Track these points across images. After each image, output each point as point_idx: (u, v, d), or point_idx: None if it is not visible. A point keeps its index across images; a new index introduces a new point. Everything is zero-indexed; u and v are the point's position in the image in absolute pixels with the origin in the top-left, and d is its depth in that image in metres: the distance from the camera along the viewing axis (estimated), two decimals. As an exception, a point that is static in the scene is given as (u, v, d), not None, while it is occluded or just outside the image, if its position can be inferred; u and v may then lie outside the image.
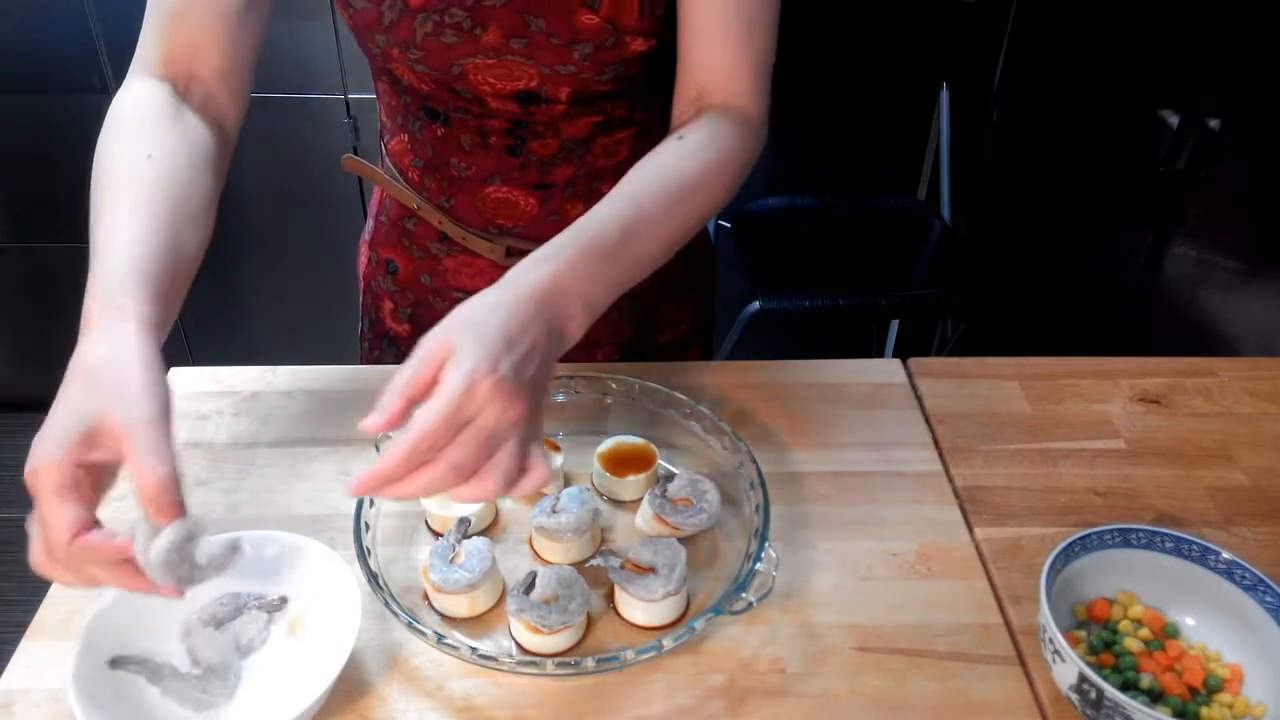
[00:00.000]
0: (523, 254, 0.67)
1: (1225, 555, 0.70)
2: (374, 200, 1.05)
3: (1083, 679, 0.63)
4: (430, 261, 0.99)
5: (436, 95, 0.87)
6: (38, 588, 0.75)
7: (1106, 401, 0.95)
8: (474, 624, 0.73)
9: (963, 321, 2.19)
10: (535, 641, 0.70)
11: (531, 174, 0.91)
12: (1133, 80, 1.91)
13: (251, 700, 0.68)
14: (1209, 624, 0.72)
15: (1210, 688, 0.68)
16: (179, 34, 0.79)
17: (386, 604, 0.68)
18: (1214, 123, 1.73)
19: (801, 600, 0.75)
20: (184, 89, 0.79)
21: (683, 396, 0.85)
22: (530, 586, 0.71)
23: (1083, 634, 0.72)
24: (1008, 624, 0.74)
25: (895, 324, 2.34)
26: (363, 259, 1.08)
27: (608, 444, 0.84)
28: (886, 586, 0.77)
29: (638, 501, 0.82)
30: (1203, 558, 0.71)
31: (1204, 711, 0.66)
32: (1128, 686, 0.67)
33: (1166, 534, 0.72)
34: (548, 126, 0.88)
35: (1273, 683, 0.67)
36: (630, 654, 0.66)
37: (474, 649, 0.67)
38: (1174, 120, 1.80)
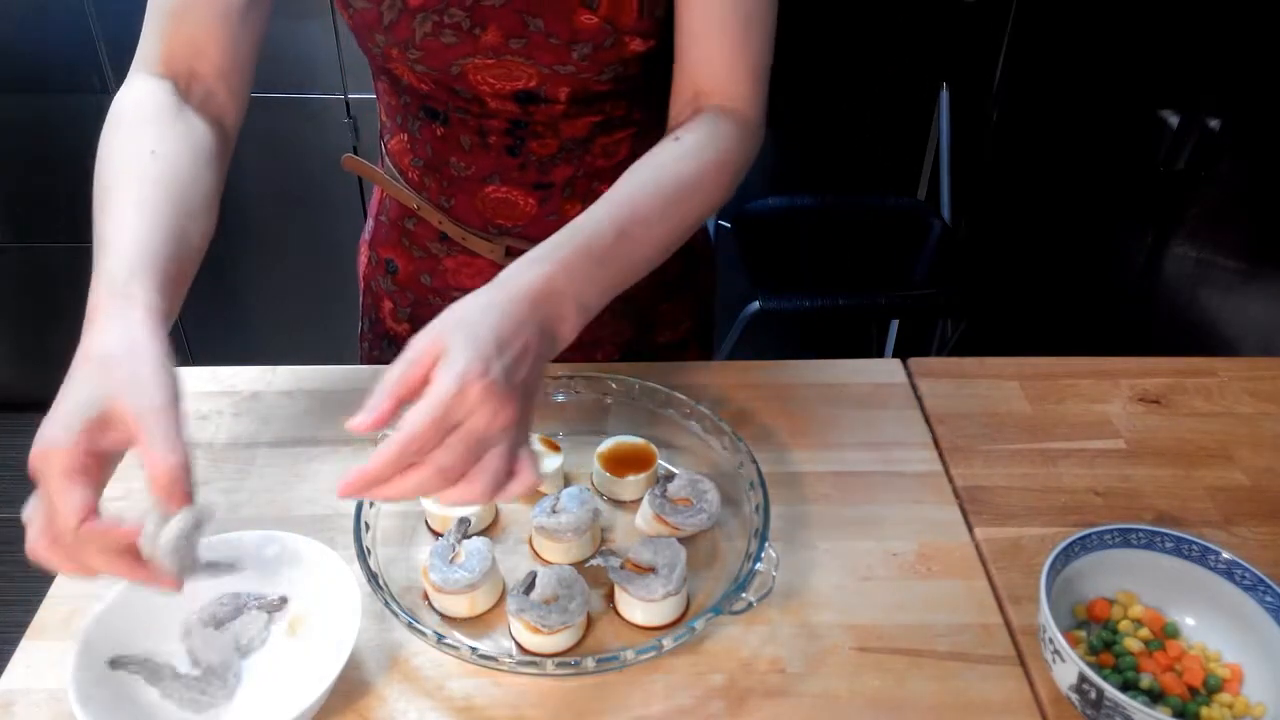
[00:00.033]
0: (522, 254, 0.67)
1: (1225, 555, 0.70)
2: (374, 200, 1.05)
3: (1083, 679, 0.63)
4: (430, 261, 0.99)
5: (436, 95, 0.87)
6: (38, 588, 0.75)
7: (1106, 401, 0.95)
8: (474, 624, 0.73)
9: (963, 321, 2.19)
10: (535, 641, 0.70)
11: (531, 174, 0.91)
12: (1133, 80, 1.91)
13: (251, 700, 0.68)
14: (1209, 624, 0.72)
15: (1210, 688, 0.68)
16: (179, 33, 0.79)
17: (386, 604, 0.68)
18: (1214, 123, 1.73)
19: (801, 600, 0.75)
20: (185, 87, 0.79)
21: (683, 396, 0.85)
22: (530, 586, 0.71)
23: (1083, 634, 0.72)
24: (1008, 624, 0.74)
25: (895, 324, 2.34)
26: (363, 259, 1.08)
27: (608, 444, 0.84)
28: (886, 586, 0.77)
29: (638, 501, 0.82)
30: (1203, 558, 0.71)
31: (1204, 711, 0.66)
32: (1128, 686, 0.67)
33: (1166, 534, 0.72)
34: (547, 126, 0.88)
35: (1273, 683, 0.67)
36: (630, 654, 0.66)
37: (474, 649, 0.67)
38: (1174, 120, 1.80)
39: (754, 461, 0.78)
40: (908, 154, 2.31)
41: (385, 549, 0.77)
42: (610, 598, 0.75)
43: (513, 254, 0.93)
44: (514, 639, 0.72)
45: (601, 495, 0.84)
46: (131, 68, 0.81)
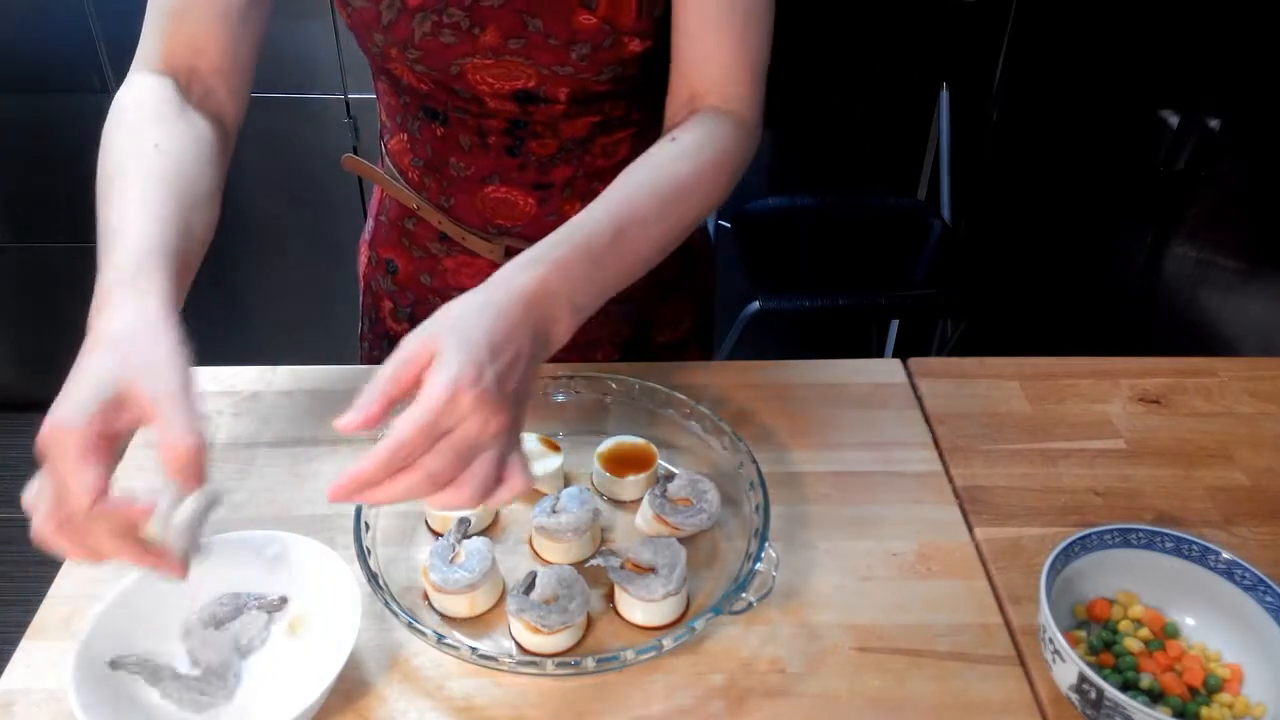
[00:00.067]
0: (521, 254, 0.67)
1: (1225, 555, 0.70)
2: (374, 200, 1.05)
3: (1083, 679, 0.63)
4: (430, 261, 0.99)
5: (435, 95, 0.87)
6: (38, 588, 0.75)
7: (1106, 401, 0.95)
8: (474, 624, 0.73)
9: (963, 321, 2.19)
10: (535, 641, 0.70)
11: (530, 174, 0.91)
12: (1133, 80, 1.91)
13: (251, 700, 0.68)
14: (1209, 624, 0.72)
15: (1210, 688, 0.68)
16: (180, 33, 0.79)
17: (386, 604, 0.68)
18: (1214, 123, 1.73)
19: (801, 600, 0.75)
20: (185, 86, 0.80)
21: (683, 396, 0.85)
22: (530, 586, 0.71)
23: (1083, 634, 0.72)
24: (1008, 624, 0.74)
25: (895, 324, 2.34)
26: (363, 259, 1.08)
27: (608, 444, 0.84)
28: (886, 586, 0.77)
29: (638, 501, 0.82)
30: (1203, 558, 0.71)
31: (1204, 711, 0.66)
32: (1128, 686, 0.67)
33: (1166, 534, 0.72)
34: (546, 126, 0.88)
35: (1273, 683, 0.67)
36: (630, 654, 0.66)
37: (474, 649, 0.67)
38: (1174, 120, 1.80)
39: (754, 461, 0.78)
40: (908, 154, 2.31)
41: (385, 549, 0.77)
42: (610, 598, 0.75)
43: (512, 254, 0.93)
44: (514, 639, 0.72)
45: (601, 495, 0.84)
46: (132, 66, 0.81)
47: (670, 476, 0.80)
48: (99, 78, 1.95)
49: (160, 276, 0.63)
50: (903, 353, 1.10)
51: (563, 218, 0.70)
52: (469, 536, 0.75)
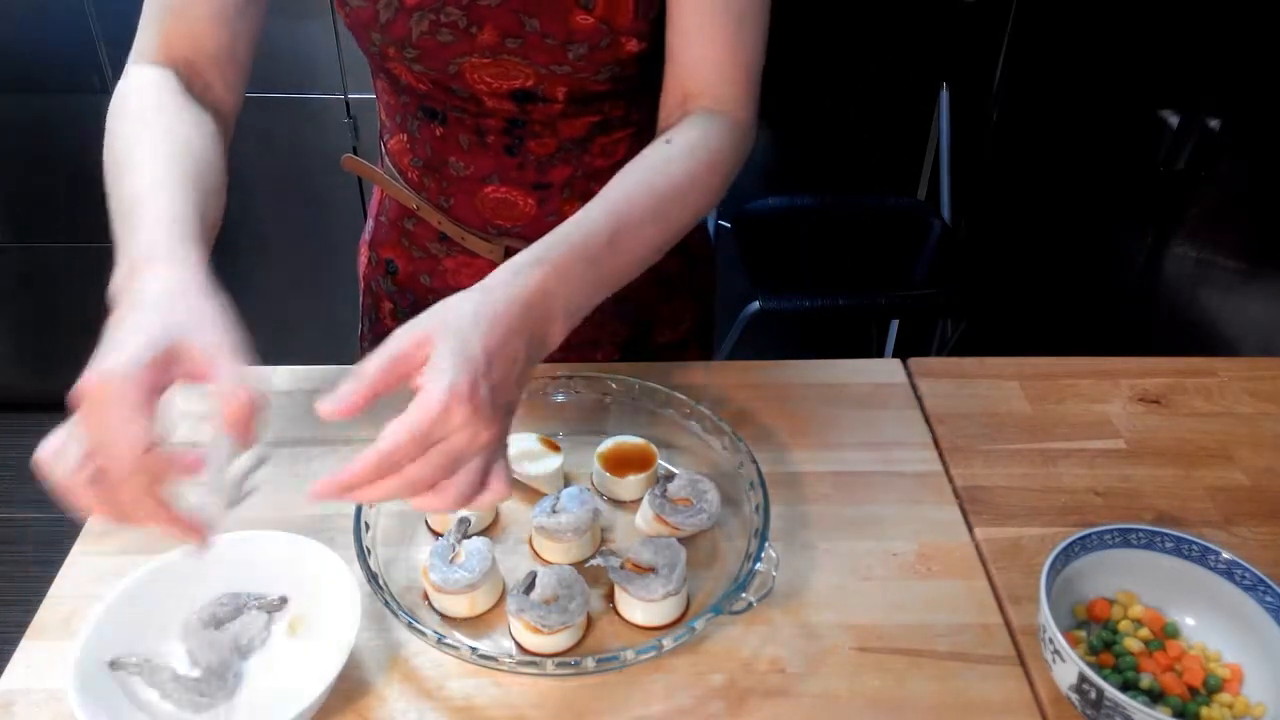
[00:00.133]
0: None
1: (1225, 555, 0.70)
2: (374, 200, 1.05)
3: (1083, 679, 0.63)
4: (430, 262, 0.99)
5: (433, 94, 0.87)
6: (38, 588, 0.75)
7: (1106, 401, 0.95)
8: (474, 624, 0.73)
9: (963, 321, 2.19)
10: (535, 641, 0.70)
11: (529, 174, 0.91)
12: (1133, 80, 1.91)
13: (251, 700, 0.68)
14: (1209, 624, 0.72)
15: (1210, 688, 0.68)
16: (178, 27, 0.80)
17: (386, 604, 0.68)
18: (1214, 123, 1.73)
19: (801, 600, 0.75)
20: (184, 79, 0.80)
21: (683, 396, 0.85)
22: (530, 586, 0.71)
23: (1083, 634, 0.72)
24: (1008, 624, 0.74)
25: (895, 324, 2.34)
26: (363, 259, 1.08)
27: (608, 444, 0.84)
28: (886, 586, 0.77)
29: (638, 501, 0.82)
30: (1203, 558, 0.71)
31: (1204, 711, 0.66)
32: (1128, 686, 0.67)
33: (1166, 534, 0.72)
34: (545, 126, 0.88)
35: (1273, 683, 0.67)
36: (630, 654, 0.66)
37: (474, 649, 0.67)
38: (1174, 120, 1.80)
39: (754, 461, 0.78)
40: (908, 154, 2.31)
41: (385, 549, 0.77)
42: (610, 598, 0.75)
43: (512, 254, 0.92)
44: (514, 639, 0.72)
45: (601, 495, 0.84)
46: (130, 59, 0.81)
47: (670, 476, 0.80)
48: (99, 78, 1.95)
49: (193, 248, 0.63)
50: (903, 353, 1.10)
51: (562, 218, 0.70)
52: (469, 536, 0.75)
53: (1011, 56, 2.13)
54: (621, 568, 0.73)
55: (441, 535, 0.76)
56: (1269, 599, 0.68)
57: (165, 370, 0.56)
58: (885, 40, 2.16)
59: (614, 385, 0.88)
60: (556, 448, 0.84)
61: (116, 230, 0.66)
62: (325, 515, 0.80)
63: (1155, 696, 0.68)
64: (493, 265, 0.94)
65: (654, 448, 0.84)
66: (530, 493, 0.83)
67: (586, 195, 0.91)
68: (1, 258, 2.18)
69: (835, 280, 1.99)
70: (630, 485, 0.82)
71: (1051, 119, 2.11)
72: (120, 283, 0.61)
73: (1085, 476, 0.87)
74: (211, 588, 0.72)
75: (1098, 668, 0.69)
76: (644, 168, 0.75)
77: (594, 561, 0.77)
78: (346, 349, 1.15)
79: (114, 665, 0.66)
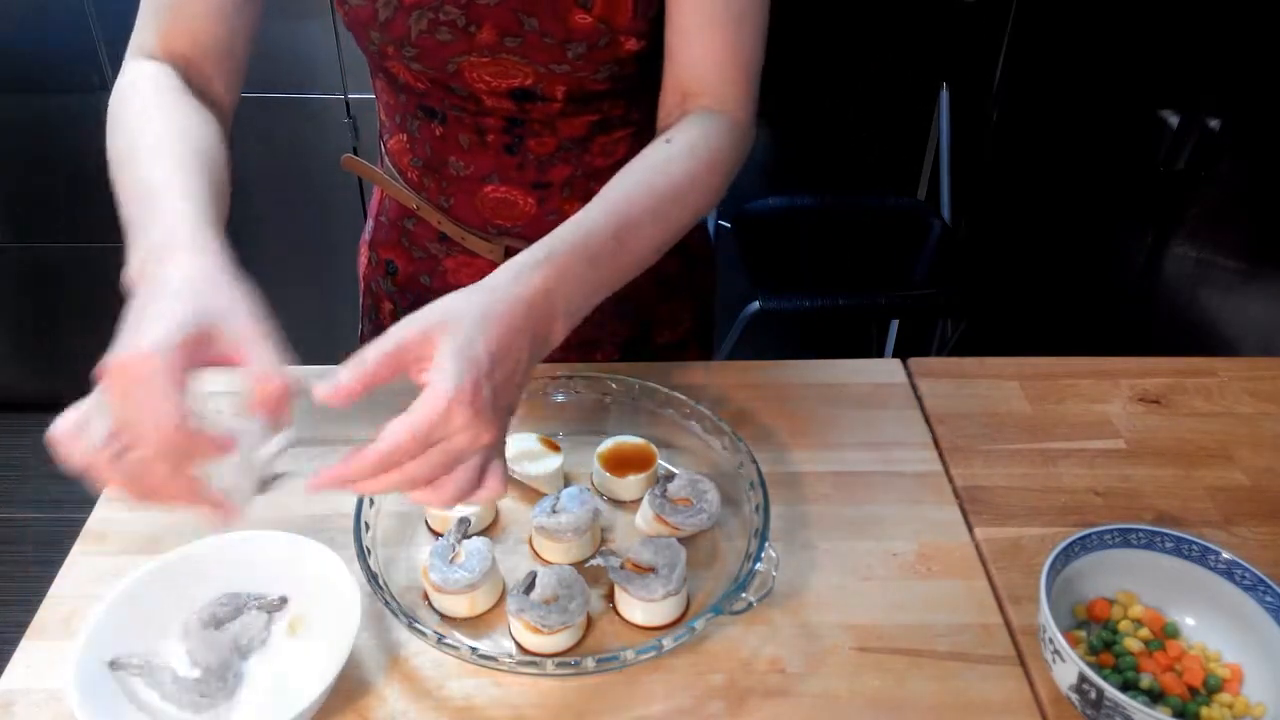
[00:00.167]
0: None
1: (1225, 555, 0.70)
2: (374, 200, 1.05)
3: (1083, 679, 0.63)
4: (430, 262, 0.99)
5: (432, 93, 0.87)
6: (38, 588, 0.75)
7: (1106, 401, 0.95)
8: (474, 624, 0.73)
9: (963, 321, 2.19)
10: (535, 641, 0.70)
11: (529, 173, 0.91)
12: (1133, 80, 1.91)
13: (251, 700, 0.68)
14: (1209, 624, 0.72)
15: (1210, 688, 0.68)
16: (176, 26, 0.80)
17: (386, 604, 0.68)
18: (1214, 123, 1.73)
19: (801, 600, 0.75)
20: (183, 74, 0.80)
21: (683, 396, 0.85)
22: (530, 586, 0.71)
23: (1083, 634, 0.72)
24: (1008, 624, 0.74)
25: (895, 324, 2.34)
26: (363, 259, 1.08)
27: (608, 444, 0.84)
28: (886, 586, 0.77)
29: (638, 501, 0.82)
30: (1203, 558, 0.71)
31: (1204, 711, 0.66)
32: (1128, 686, 0.67)
33: (1166, 534, 0.72)
34: (544, 125, 0.88)
35: (1273, 683, 0.67)
36: (630, 654, 0.66)
37: (474, 649, 0.67)
38: (1174, 120, 1.80)
39: (754, 461, 0.78)
40: (908, 154, 2.31)
41: (385, 549, 0.77)
42: (610, 598, 0.75)
43: (512, 254, 0.92)
44: (514, 639, 0.72)
45: (601, 495, 0.84)
46: (128, 54, 0.81)
47: (670, 476, 0.80)
48: (99, 78, 1.95)
49: (215, 236, 0.63)
50: (903, 353, 1.10)
51: (562, 217, 0.70)
52: (469, 536, 0.75)
53: (1011, 56, 2.13)
54: (621, 568, 0.73)
55: (441, 535, 0.76)
56: (1269, 599, 0.68)
57: (196, 352, 0.56)
58: (885, 40, 2.16)
59: (614, 385, 0.88)
60: (556, 448, 0.84)
61: (129, 219, 0.65)
62: (325, 515, 0.80)
63: (1155, 696, 0.68)
64: (493, 265, 0.95)
65: (654, 448, 0.84)
66: (530, 493, 0.83)
67: (586, 194, 0.91)
68: (1, 258, 2.18)
69: (835, 280, 1.99)
70: (630, 485, 0.82)
71: (1051, 119, 2.11)
72: (138, 270, 0.61)
73: (1085, 476, 0.87)
74: (211, 588, 0.72)
75: (1098, 668, 0.69)
76: (644, 167, 0.75)
77: (594, 561, 0.77)
78: (346, 349, 1.15)
79: (114, 665, 0.66)
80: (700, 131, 0.79)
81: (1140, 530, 0.73)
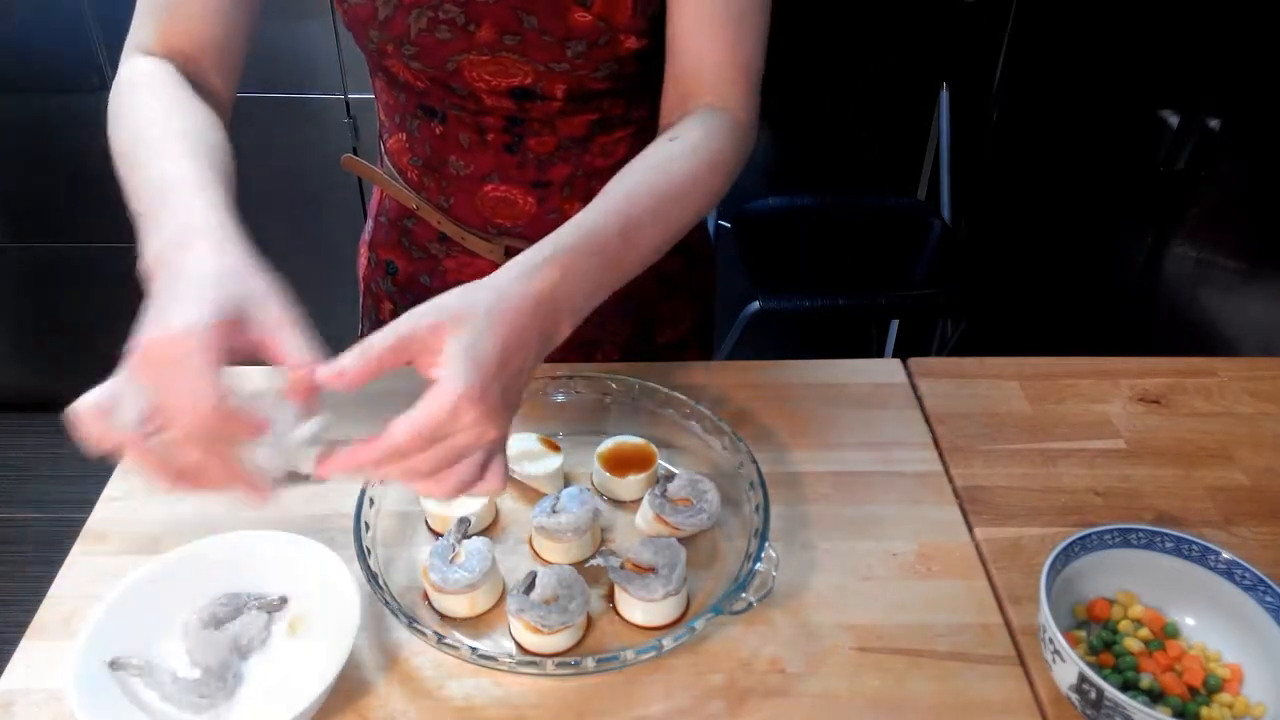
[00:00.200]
0: (521, 254, 0.67)
1: (1225, 555, 0.70)
2: (373, 201, 1.05)
3: (1083, 679, 0.63)
4: (429, 262, 0.99)
5: (432, 92, 0.87)
6: (38, 588, 0.75)
7: (1106, 401, 0.95)
8: (474, 624, 0.73)
9: (963, 321, 2.19)
10: (535, 641, 0.70)
11: (529, 172, 0.91)
12: (1133, 80, 1.91)
13: (251, 700, 0.68)
14: (1209, 624, 0.72)
15: (1210, 688, 0.68)
16: (174, 23, 0.80)
17: (386, 604, 0.68)
18: (1214, 123, 1.73)
19: (801, 600, 0.75)
20: (182, 71, 0.80)
21: (683, 396, 0.85)
22: (530, 586, 0.71)
23: (1083, 634, 0.72)
24: (1008, 624, 0.74)
25: (895, 324, 2.34)
26: (362, 260, 1.08)
27: (608, 444, 0.84)
28: (886, 586, 0.77)
29: (638, 501, 0.82)
30: (1203, 558, 0.71)
31: (1204, 711, 0.66)
32: (1128, 686, 0.67)
33: (1166, 534, 0.72)
34: (544, 124, 0.88)
35: (1273, 683, 0.67)
36: (630, 654, 0.66)
37: (474, 649, 0.67)
38: (1174, 120, 1.80)
39: (754, 461, 0.78)
40: (908, 154, 2.31)
41: (385, 549, 0.77)
42: (610, 598, 0.75)
43: (512, 254, 0.93)
44: (514, 639, 0.72)
45: (601, 495, 0.84)
46: (125, 50, 0.81)
47: (670, 476, 0.80)
48: (99, 78, 1.95)
49: (236, 227, 0.63)
50: (903, 353, 1.10)
51: (562, 216, 0.70)
52: (469, 536, 0.75)
53: (1011, 56, 2.13)
54: (621, 568, 0.73)
55: (441, 535, 0.76)
56: (1269, 599, 0.68)
57: (233, 335, 0.56)
58: (885, 40, 2.16)
59: (614, 385, 0.88)
60: (556, 448, 0.84)
61: (141, 210, 0.65)
62: (325, 515, 0.80)
63: (1155, 696, 0.68)
64: (493, 265, 0.95)
65: (654, 448, 0.84)
66: (530, 493, 0.83)
67: (587, 193, 0.91)
68: (1, 258, 2.18)
69: (835, 280, 1.99)
70: (630, 485, 0.82)
71: (1051, 119, 2.11)
72: (155, 258, 0.61)
73: (1085, 476, 0.87)
74: (211, 588, 0.72)
75: (1098, 668, 0.69)
76: (646, 167, 0.75)
77: (594, 561, 0.77)
78: (346, 349, 1.15)
79: (114, 665, 0.66)
80: (702, 131, 0.78)
81: (1140, 530, 0.73)
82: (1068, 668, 0.65)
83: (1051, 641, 0.66)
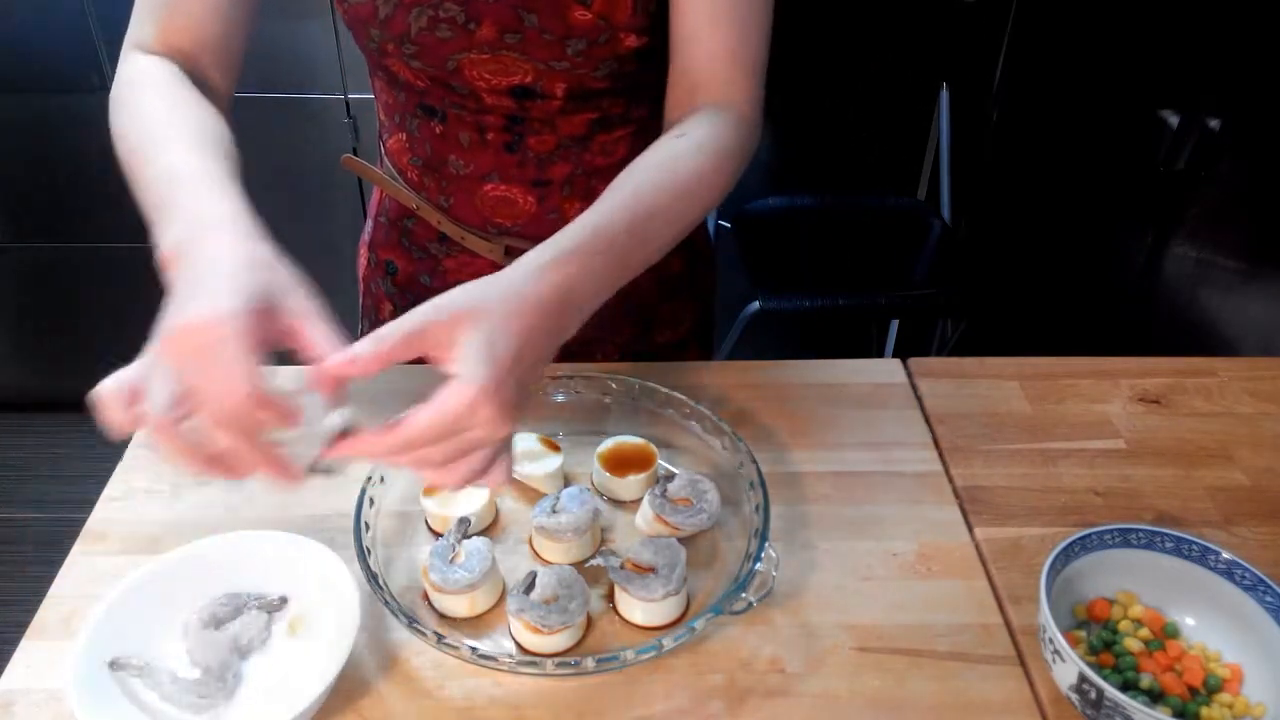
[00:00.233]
0: (521, 254, 0.67)
1: (1225, 555, 0.70)
2: (373, 201, 1.05)
3: (1083, 679, 0.63)
4: (429, 262, 0.99)
5: (432, 91, 0.87)
6: (38, 588, 0.75)
7: (1106, 401, 0.95)
8: (474, 624, 0.73)
9: (963, 321, 2.19)
10: (535, 641, 0.70)
11: (529, 171, 0.91)
12: (1133, 80, 1.91)
13: (251, 700, 0.68)
14: (1209, 624, 0.72)
15: (1210, 688, 0.68)
16: (174, 21, 0.80)
17: (386, 604, 0.68)
18: (1214, 123, 1.73)
19: (801, 600, 0.75)
20: (181, 68, 0.80)
21: (683, 396, 0.85)
22: (530, 586, 0.71)
23: (1083, 634, 0.72)
24: (1008, 624, 0.74)
25: (895, 324, 2.34)
26: (362, 260, 1.08)
27: (608, 444, 0.84)
28: (886, 586, 0.77)
29: (638, 501, 0.82)
30: (1203, 558, 0.71)
31: (1204, 711, 0.66)
32: (1128, 686, 0.67)
33: (1166, 534, 0.72)
34: (544, 123, 0.88)
35: (1273, 683, 0.67)
36: (630, 654, 0.66)
37: (474, 649, 0.67)
38: (1174, 120, 1.80)
39: (754, 461, 0.78)
40: (908, 154, 2.31)
41: (385, 549, 0.77)
42: (610, 598, 0.75)
43: (512, 253, 0.93)
44: (514, 639, 0.72)
45: (601, 495, 0.84)
46: (125, 48, 0.81)
47: (670, 476, 0.80)
48: (99, 78, 1.95)
49: (253, 220, 0.63)
50: (903, 353, 1.10)
51: (563, 216, 0.71)
52: (469, 536, 0.75)
53: (1011, 56, 2.13)
54: (621, 568, 0.73)
55: (441, 535, 0.76)
56: (1269, 599, 0.68)
57: (265, 322, 0.57)
58: (885, 40, 2.16)
59: (614, 385, 0.88)
60: (556, 448, 0.84)
61: (154, 202, 0.65)
62: (325, 515, 0.80)
63: (1155, 696, 0.68)
64: (492, 265, 0.95)
65: (654, 448, 0.84)
66: (530, 493, 0.83)
67: (587, 192, 0.91)
68: (1, 258, 2.18)
69: (835, 280, 1.99)
70: (630, 485, 0.82)
71: (1051, 119, 2.11)
72: (173, 248, 0.61)
73: (1085, 476, 0.87)
74: (211, 588, 0.72)
75: (1098, 668, 0.69)
76: (652, 164, 0.75)
77: (594, 561, 0.77)
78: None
79: (114, 665, 0.66)
80: (707, 128, 0.79)
81: (1140, 530, 0.73)
82: (1068, 668, 0.65)
83: (1051, 641, 0.66)
